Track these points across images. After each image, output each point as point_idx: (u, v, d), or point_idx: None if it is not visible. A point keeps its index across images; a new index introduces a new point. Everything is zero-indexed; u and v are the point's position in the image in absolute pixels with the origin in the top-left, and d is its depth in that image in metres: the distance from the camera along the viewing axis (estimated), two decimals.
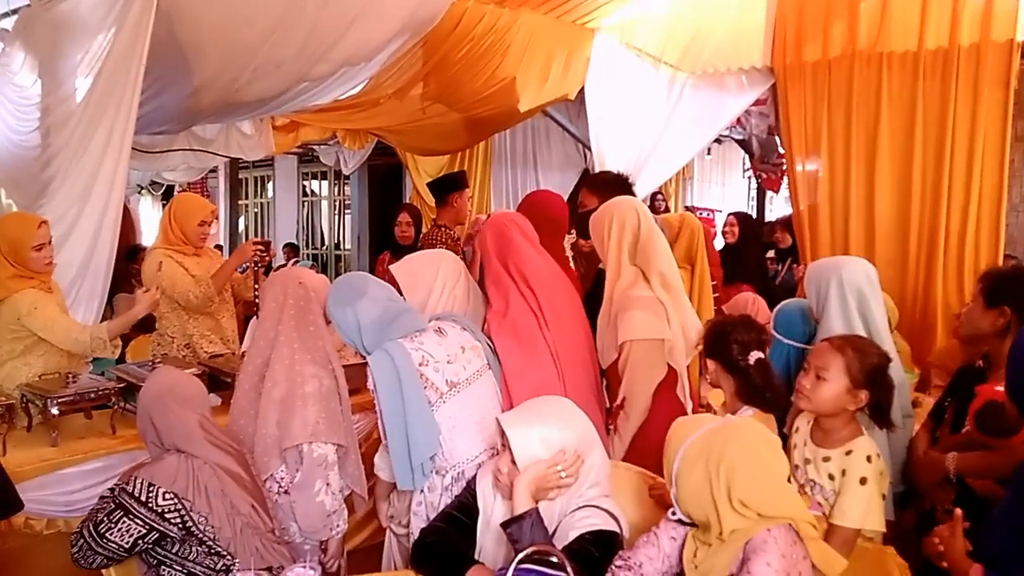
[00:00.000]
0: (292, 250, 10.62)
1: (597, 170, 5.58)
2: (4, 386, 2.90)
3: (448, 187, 4.81)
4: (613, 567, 1.76)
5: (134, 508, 1.94)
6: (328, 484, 2.25)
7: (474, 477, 2.04)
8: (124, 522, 1.94)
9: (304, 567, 1.66)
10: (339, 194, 12.38)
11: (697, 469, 1.66)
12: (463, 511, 1.97)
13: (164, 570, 2.03)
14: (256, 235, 12.93)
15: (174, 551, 2.01)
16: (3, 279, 2.93)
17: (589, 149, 6.60)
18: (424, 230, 5.24)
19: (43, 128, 3.71)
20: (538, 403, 2.05)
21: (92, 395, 2.78)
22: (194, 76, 3.98)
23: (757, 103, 5.60)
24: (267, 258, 3.77)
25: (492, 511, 1.92)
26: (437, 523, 1.97)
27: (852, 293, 2.49)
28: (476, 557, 1.88)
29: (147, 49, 3.40)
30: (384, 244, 5.25)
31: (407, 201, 8.00)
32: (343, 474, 2.35)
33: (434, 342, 2.26)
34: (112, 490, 2.03)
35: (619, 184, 3.37)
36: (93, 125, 3.53)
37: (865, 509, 1.98)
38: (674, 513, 1.74)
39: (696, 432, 1.70)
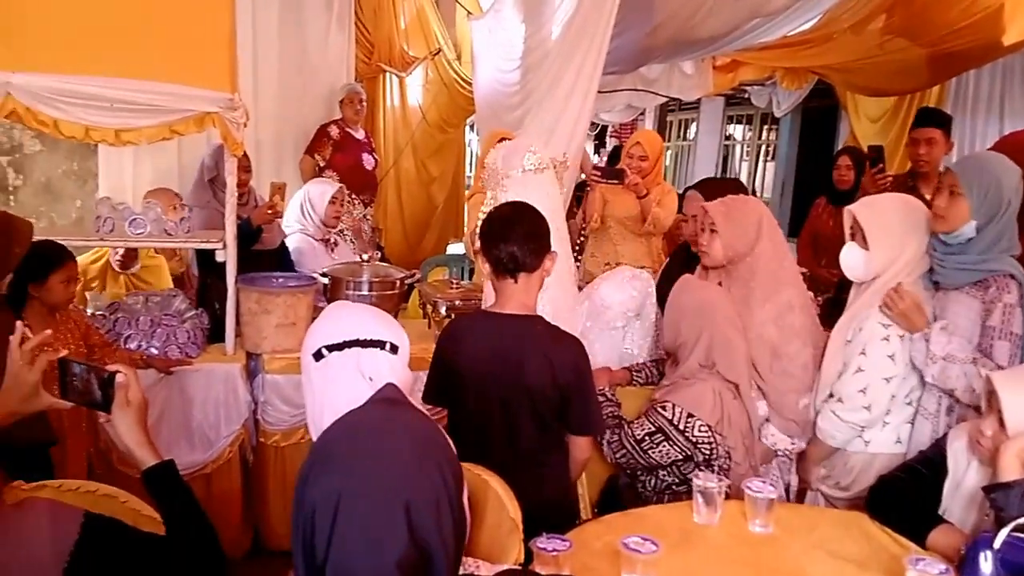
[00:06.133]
0: None
1: None
2: None
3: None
4: None
5: (673, 435, 2.07)
6: None
7: (945, 435, 1.89)
8: (664, 447, 2.08)
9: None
10: (761, 138, 12.07)
11: None
12: (926, 465, 1.85)
13: (661, 472, 2.17)
14: (673, 177, 13.24)
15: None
16: None
17: None
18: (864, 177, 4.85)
19: (523, 67, 4.20)
20: None
21: (474, 301, 2.97)
22: (656, 14, 4.16)
23: None
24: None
25: (964, 474, 1.77)
26: (897, 472, 1.89)
27: None
28: (941, 515, 1.77)
29: None
30: (811, 191, 5.01)
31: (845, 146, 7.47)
32: None
33: None
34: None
35: None
36: (564, 65, 3.88)
37: None
38: None
39: None
